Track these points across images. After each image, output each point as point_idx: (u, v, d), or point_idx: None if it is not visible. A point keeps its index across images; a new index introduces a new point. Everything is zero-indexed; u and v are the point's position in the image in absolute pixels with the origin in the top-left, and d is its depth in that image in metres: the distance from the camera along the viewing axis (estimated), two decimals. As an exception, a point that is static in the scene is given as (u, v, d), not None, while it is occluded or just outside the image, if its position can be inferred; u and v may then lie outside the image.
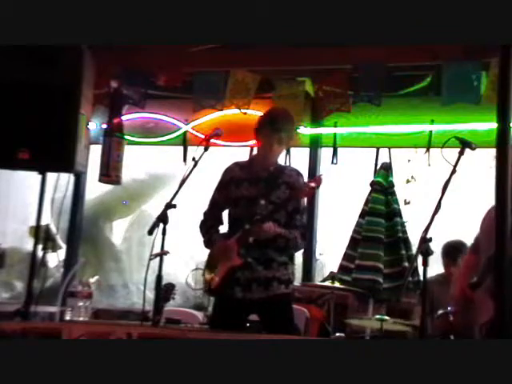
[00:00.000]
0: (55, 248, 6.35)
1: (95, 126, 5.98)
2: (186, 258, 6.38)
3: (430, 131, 5.60)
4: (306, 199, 3.91)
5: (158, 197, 7.05)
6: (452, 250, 5.07)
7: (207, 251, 3.93)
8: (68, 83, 3.93)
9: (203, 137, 3.91)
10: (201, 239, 3.95)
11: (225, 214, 3.99)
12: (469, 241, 4.95)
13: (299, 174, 3.92)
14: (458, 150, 3.37)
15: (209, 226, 3.94)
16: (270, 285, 3.72)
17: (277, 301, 3.73)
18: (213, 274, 3.81)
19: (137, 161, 6.71)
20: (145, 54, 5.41)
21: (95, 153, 5.84)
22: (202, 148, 3.70)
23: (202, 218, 3.98)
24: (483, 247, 3.62)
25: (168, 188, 6.78)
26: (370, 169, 5.91)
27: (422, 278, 3.21)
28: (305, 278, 5.86)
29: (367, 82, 5.46)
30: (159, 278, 3.44)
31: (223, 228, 3.99)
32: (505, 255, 2.09)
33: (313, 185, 3.72)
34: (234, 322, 3.65)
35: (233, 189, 3.87)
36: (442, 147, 3.38)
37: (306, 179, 4.03)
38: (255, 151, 4.20)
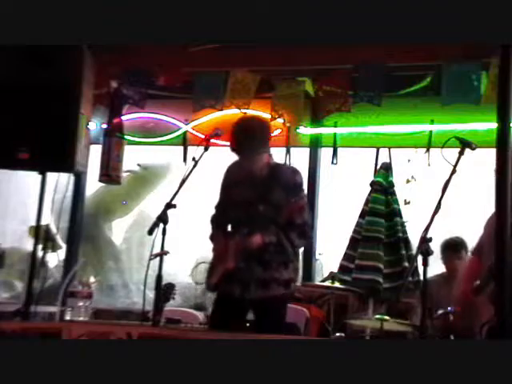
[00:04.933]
0: (55, 248, 6.35)
1: (95, 125, 5.99)
2: (186, 258, 6.37)
3: (430, 131, 5.61)
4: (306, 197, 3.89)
5: (158, 196, 7.05)
6: (453, 244, 5.08)
7: (208, 248, 3.96)
8: (68, 83, 3.93)
9: (203, 137, 3.91)
10: (200, 237, 3.98)
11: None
12: (469, 240, 4.97)
13: (295, 172, 3.90)
14: (458, 150, 3.37)
15: (215, 222, 3.97)
16: (268, 286, 3.72)
17: (272, 302, 3.74)
18: (213, 270, 3.83)
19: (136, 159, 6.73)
20: (145, 54, 5.41)
21: (95, 153, 5.84)
22: (202, 148, 3.70)
23: (213, 211, 4.01)
24: (486, 250, 3.62)
25: (167, 185, 6.79)
26: (370, 169, 5.91)
27: (422, 277, 3.21)
28: (305, 277, 5.86)
29: (367, 82, 5.45)
30: (159, 277, 3.44)
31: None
32: (505, 256, 2.09)
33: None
34: (232, 320, 3.65)
35: (232, 190, 3.88)
36: (442, 147, 3.37)
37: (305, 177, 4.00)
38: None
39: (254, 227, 3.70)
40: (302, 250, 3.96)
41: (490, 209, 3.52)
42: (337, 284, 5.01)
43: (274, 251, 3.72)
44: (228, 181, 3.94)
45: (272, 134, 3.90)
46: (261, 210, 3.72)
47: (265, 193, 3.77)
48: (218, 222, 3.97)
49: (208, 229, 3.99)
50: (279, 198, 3.75)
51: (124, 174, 6.24)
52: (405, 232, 5.51)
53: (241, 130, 3.78)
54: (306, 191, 3.93)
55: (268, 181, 3.79)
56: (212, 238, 3.94)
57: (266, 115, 5.89)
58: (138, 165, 7.09)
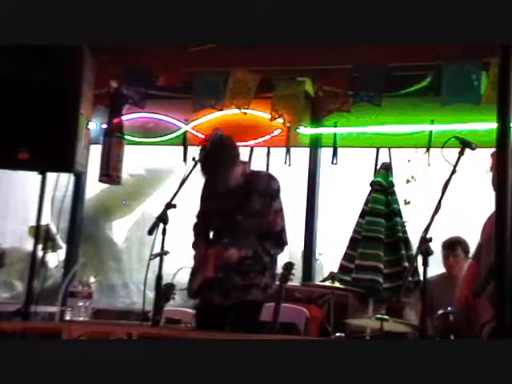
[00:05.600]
0: (55, 248, 6.35)
1: (95, 125, 5.98)
2: (186, 258, 6.37)
3: (430, 131, 5.60)
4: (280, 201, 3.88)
5: (157, 195, 7.04)
6: (449, 242, 5.10)
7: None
8: (68, 83, 3.93)
9: (203, 137, 3.91)
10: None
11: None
12: (468, 240, 4.97)
13: (271, 178, 3.88)
14: (458, 150, 3.37)
15: (196, 230, 4.02)
16: (247, 291, 3.75)
17: (251, 305, 3.76)
18: (194, 278, 3.87)
19: (136, 159, 6.72)
20: (145, 54, 5.41)
21: (95, 153, 5.84)
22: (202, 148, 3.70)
23: (195, 220, 4.05)
24: (484, 254, 3.62)
25: (167, 185, 6.79)
26: (370, 169, 5.91)
27: (422, 277, 3.21)
28: (305, 277, 5.86)
29: (367, 82, 5.45)
30: (159, 277, 3.44)
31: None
32: (505, 256, 2.09)
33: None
34: (213, 326, 3.65)
35: (210, 201, 3.91)
36: (442, 147, 3.37)
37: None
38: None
39: (233, 237, 3.72)
40: (277, 256, 3.95)
41: (490, 209, 3.54)
42: (337, 284, 5.01)
43: (250, 262, 3.75)
44: (206, 191, 3.96)
45: (239, 149, 3.85)
46: (239, 220, 3.74)
47: (242, 202, 3.78)
48: (199, 230, 4.00)
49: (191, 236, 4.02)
50: (257, 206, 3.76)
51: (125, 176, 6.24)
52: (405, 232, 5.51)
53: (205, 157, 3.69)
54: (281, 197, 3.89)
55: (244, 189, 3.80)
56: (194, 245, 3.99)
57: (266, 115, 5.91)
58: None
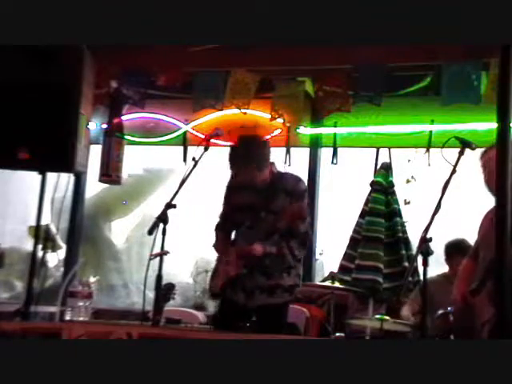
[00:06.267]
0: (55, 248, 6.35)
1: (95, 126, 5.98)
2: (186, 258, 6.37)
3: (430, 131, 5.60)
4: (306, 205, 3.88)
5: (157, 195, 7.05)
6: (462, 247, 5.02)
7: (210, 251, 3.98)
8: (68, 83, 3.93)
9: (203, 137, 3.92)
10: (200, 238, 4.00)
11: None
12: (469, 241, 4.96)
13: (298, 180, 3.91)
14: (458, 150, 3.37)
15: (219, 229, 4.01)
16: (273, 292, 3.74)
17: (277, 308, 3.76)
18: (216, 278, 3.85)
19: (135, 159, 6.72)
20: (145, 54, 5.41)
21: (95, 153, 5.84)
22: (201, 148, 3.70)
23: (217, 220, 4.05)
24: (482, 253, 3.62)
25: (167, 185, 6.79)
26: (370, 169, 5.91)
27: (422, 277, 3.21)
28: (305, 278, 5.86)
29: (367, 82, 5.45)
30: (159, 277, 3.44)
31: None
32: (505, 256, 2.09)
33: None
34: (236, 325, 3.65)
35: (235, 196, 3.89)
36: (442, 147, 3.38)
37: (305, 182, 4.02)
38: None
39: (257, 234, 3.72)
40: (300, 257, 3.95)
41: (487, 210, 3.54)
42: (337, 284, 5.02)
43: (274, 260, 3.74)
44: (231, 188, 3.96)
45: (268, 146, 3.92)
46: (263, 217, 3.74)
47: (268, 200, 3.78)
48: (221, 229, 3.99)
49: (208, 232, 4.02)
50: (282, 206, 3.76)
51: (126, 177, 6.24)
52: (405, 232, 5.51)
53: (236, 153, 3.80)
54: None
55: (271, 188, 3.81)
56: (215, 245, 3.97)
57: (266, 115, 5.91)
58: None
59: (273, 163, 3.91)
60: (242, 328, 3.72)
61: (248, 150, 3.77)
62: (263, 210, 3.76)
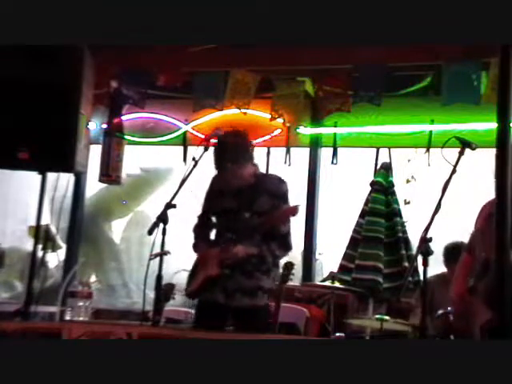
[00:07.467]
0: (55, 248, 6.35)
1: (95, 125, 5.99)
2: (186, 258, 6.37)
3: (430, 131, 5.61)
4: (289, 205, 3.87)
5: (156, 194, 7.05)
6: (457, 253, 5.03)
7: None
8: (68, 83, 3.93)
9: (203, 137, 3.92)
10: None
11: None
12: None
13: (281, 181, 3.90)
14: (458, 150, 3.37)
15: (198, 231, 3.99)
16: (254, 294, 3.74)
17: (258, 310, 3.75)
18: (193, 279, 3.85)
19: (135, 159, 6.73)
20: (145, 54, 5.41)
21: (95, 153, 5.84)
22: (201, 148, 3.70)
23: (195, 221, 4.02)
24: (478, 246, 3.62)
25: (166, 184, 6.80)
26: (370, 169, 5.91)
27: (422, 277, 3.21)
28: (305, 277, 5.86)
29: (367, 82, 5.45)
30: (159, 277, 3.44)
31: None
32: (505, 256, 2.09)
33: (288, 213, 3.72)
34: (214, 325, 3.63)
35: (217, 199, 3.89)
36: (442, 147, 3.37)
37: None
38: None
39: (239, 235, 3.72)
40: (280, 259, 3.96)
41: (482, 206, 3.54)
42: (337, 284, 5.01)
43: (256, 262, 3.74)
44: (213, 190, 3.96)
45: (252, 146, 3.91)
46: (246, 218, 3.74)
47: (251, 201, 3.78)
48: (200, 230, 3.98)
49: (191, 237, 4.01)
50: (265, 206, 3.77)
51: (125, 176, 6.24)
52: (405, 232, 5.51)
53: (220, 149, 3.78)
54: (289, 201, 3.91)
55: (254, 189, 3.81)
56: (195, 246, 3.96)
57: (266, 115, 5.91)
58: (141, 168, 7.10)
59: (256, 165, 3.91)
60: (222, 329, 3.71)
61: (226, 146, 3.76)
62: (247, 210, 3.76)
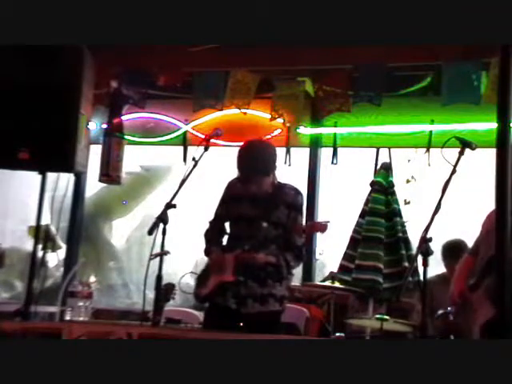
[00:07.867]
0: (55, 248, 6.35)
1: (95, 125, 5.98)
2: (186, 258, 6.37)
3: (430, 131, 5.61)
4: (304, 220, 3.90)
5: (156, 194, 7.05)
6: (454, 249, 5.06)
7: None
8: (68, 83, 3.93)
9: (203, 137, 3.92)
10: (200, 238, 3.99)
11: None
12: (469, 241, 4.96)
13: (298, 193, 3.92)
14: (458, 150, 3.37)
15: (210, 236, 3.99)
16: (265, 301, 3.74)
17: (269, 318, 3.75)
18: (204, 282, 3.84)
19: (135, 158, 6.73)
20: (145, 54, 5.41)
21: (95, 153, 5.84)
22: (201, 148, 3.70)
23: (207, 226, 4.02)
24: (482, 250, 3.62)
25: (167, 185, 6.80)
26: (370, 169, 5.91)
27: (421, 277, 3.21)
28: (305, 277, 5.86)
29: (367, 82, 5.45)
30: (159, 277, 3.44)
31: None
32: (505, 256, 2.09)
33: (317, 229, 3.74)
34: (225, 330, 3.63)
35: (233, 206, 3.89)
36: (442, 147, 3.38)
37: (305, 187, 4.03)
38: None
39: (255, 244, 3.72)
40: (294, 270, 3.98)
41: (490, 209, 3.54)
42: (337, 284, 5.01)
43: (270, 270, 3.75)
44: (230, 196, 3.95)
45: (277, 157, 3.94)
46: (264, 228, 3.74)
47: (269, 211, 3.79)
48: (213, 236, 3.97)
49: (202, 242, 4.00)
50: (282, 217, 3.79)
51: (124, 175, 6.24)
52: (405, 232, 5.51)
53: (250, 158, 3.80)
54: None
55: (272, 199, 3.82)
56: (207, 251, 3.95)
57: (266, 115, 5.91)
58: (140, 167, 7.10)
59: (274, 175, 3.93)
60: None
61: (262, 157, 3.80)
62: (264, 220, 3.76)
